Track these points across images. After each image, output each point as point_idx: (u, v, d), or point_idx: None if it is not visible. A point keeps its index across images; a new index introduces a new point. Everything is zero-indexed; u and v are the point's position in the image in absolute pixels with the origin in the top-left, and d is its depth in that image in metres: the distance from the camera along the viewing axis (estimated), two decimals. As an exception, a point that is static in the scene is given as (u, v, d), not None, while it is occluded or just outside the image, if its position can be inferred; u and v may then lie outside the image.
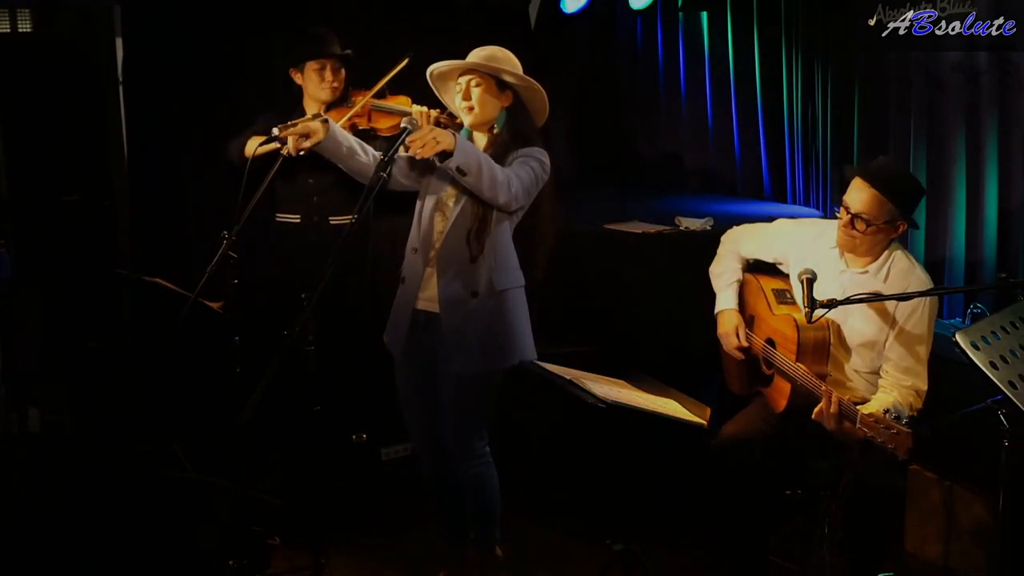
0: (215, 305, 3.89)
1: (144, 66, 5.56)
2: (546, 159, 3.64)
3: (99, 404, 5.42)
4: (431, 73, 3.69)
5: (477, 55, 3.64)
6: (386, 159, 3.44)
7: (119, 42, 5.65)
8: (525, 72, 3.69)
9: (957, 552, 4.05)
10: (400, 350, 3.79)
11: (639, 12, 6.60)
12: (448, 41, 3.88)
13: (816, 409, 3.42)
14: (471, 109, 3.62)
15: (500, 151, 3.63)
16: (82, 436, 5.37)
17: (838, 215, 3.67)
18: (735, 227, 4.10)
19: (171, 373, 5.27)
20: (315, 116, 3.66)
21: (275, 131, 3.80)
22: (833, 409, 3.37)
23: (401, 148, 3.45)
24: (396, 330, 3.79)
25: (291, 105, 4.44)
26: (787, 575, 4.01)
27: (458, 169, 3.38)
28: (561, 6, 6.62)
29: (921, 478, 4.18)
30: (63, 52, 5.67)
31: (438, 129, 3.41)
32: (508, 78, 3.63)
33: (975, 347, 2.96)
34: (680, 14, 6.64)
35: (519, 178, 3.55)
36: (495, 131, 3.66)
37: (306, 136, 3.65)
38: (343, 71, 4.41)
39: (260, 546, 4.19)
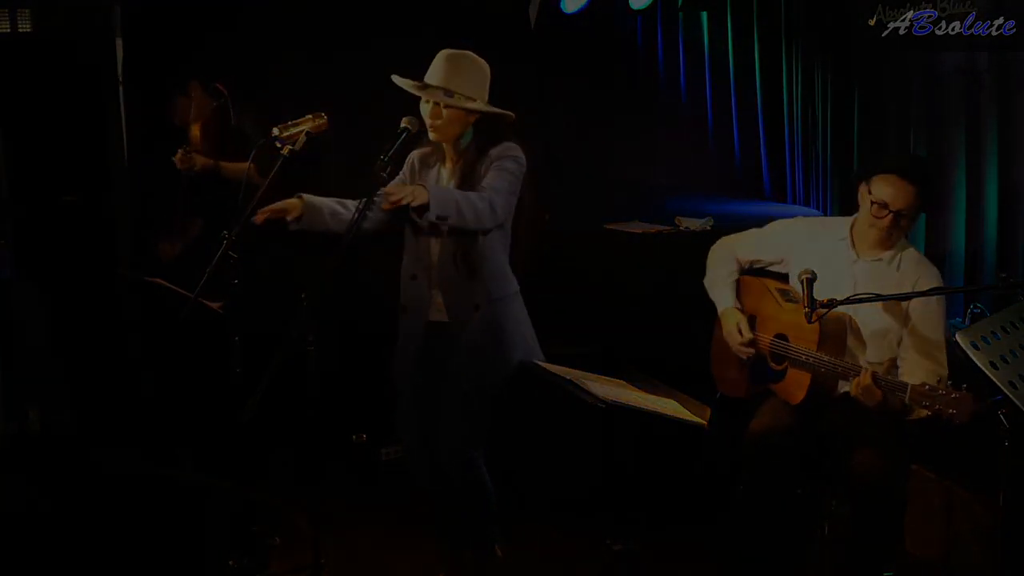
0: (215, 305, 3.89)
1: (144, 66, 5.57)
2: (519, 153, 3.61)
3: (99, 404, 5.42)
4: (395, 79, 3.66)
5: (440, 73, 3.56)
6: (385, 159, 3.44)
7: (119, 42, 5.66)
8: (520, 69, 3.67)
9: (957, 552, 4.05)
10: (411, 369, 3.79)
11: (639, 12, 6.62)
12: (448, 41, 3.87)
13: (853, 385, 3.41)
14: (437, 128, 3.60)
15: (471, 160, 3.61)
16: (82, 436, 5.37)
17: (878, 212, 3.62)
18: (724, 237, 4.08)
19: (171, 373, 5.27)
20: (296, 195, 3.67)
21: (275, 131, 3.80)
22: (868, 381, 3.36)
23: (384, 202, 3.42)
24: (405, 355, 3.80)
25: None
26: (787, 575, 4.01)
27: (438, 218, 3.38)
28: (561, 6, 6.63)
29: (921, 478, 4.18)
30: (63, 52, 5.68)
31: (410, 186, 3.38)
32: (473, 106, 3.56)
33: (975, 347, 2.96)
34: (680, 14, 6.65)
35: (499, 192, 3.52)
36: (463, 143, 3.65)
37: (283, 212, 3.63)
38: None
39: (260, 546, 4.19)
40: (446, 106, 3.56)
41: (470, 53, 3.63)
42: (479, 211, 3.45)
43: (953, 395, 3.18)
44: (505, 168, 3.56)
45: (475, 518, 3.90)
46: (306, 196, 3.59)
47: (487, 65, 3.64)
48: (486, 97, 3.62)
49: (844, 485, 3.58)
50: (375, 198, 3.46)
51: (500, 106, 3.64)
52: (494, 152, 3.59)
